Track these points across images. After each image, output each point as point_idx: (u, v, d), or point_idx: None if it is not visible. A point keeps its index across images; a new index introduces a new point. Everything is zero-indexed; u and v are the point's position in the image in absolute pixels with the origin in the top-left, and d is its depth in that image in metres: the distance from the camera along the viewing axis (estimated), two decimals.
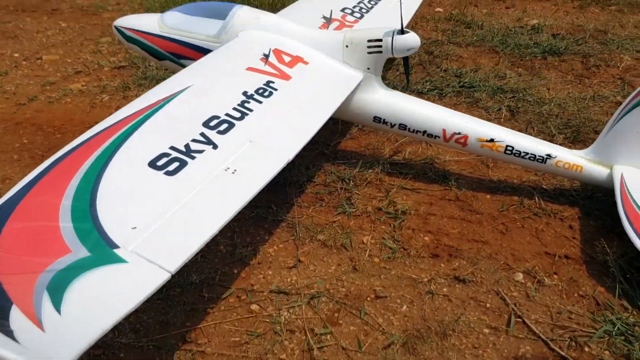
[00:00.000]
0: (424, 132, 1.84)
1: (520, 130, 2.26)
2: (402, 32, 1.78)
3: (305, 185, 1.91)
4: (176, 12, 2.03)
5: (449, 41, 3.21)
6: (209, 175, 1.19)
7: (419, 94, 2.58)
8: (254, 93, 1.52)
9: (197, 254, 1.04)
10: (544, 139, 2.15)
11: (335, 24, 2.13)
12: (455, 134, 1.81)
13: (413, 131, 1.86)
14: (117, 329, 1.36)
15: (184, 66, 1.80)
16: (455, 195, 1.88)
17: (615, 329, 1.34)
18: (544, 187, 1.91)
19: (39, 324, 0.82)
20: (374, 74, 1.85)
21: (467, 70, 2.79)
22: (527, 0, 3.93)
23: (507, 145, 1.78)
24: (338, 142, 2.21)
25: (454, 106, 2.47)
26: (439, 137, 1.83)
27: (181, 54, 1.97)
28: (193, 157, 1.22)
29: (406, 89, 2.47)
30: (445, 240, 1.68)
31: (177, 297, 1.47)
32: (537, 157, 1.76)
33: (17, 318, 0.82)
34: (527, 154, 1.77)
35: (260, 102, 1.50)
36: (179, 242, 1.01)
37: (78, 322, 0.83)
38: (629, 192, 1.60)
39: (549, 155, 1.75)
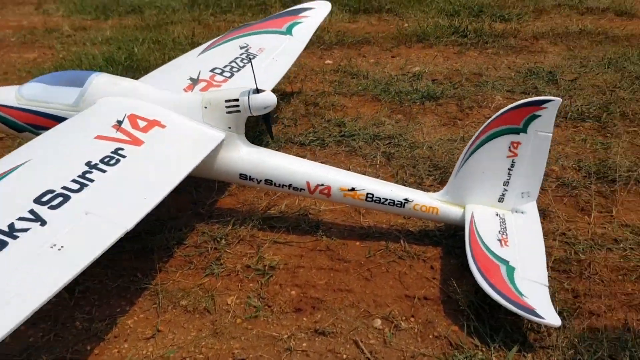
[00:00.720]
0: (289, 185, 1.87)
1: (392, 175, 2.35)
2: (257, 91, 1.82)
3: (174, 249, 1.89)
4: (35, 83, 2.00)
5: (335, 92, 3.31)
6: (30, 255, 1.15)
7: (302, 146, 2.64)
8: (98, 162, 1.50)
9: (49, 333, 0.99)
10: (414, 182, 2.25)
11: (202, 85, 2.16)
12: (319, 185, 1.85)
13: (279, 186, 1.89)
14: None
15: None
16: (326, 245, 1.91)
17: None
18: (410, 229, 1.97)
19: None
20: (236, 132, 1.88)
21: (349, 120, 2.89)
22: (411, 49, 4.14)
23: (367, 193, 1.83)
24: (215, 200, 2.20)
25: (334, 155, 2.54)
26: (304, 189, 1.86)
27: (40, 124, 1.93)
28: (15, 237, 1.18)
29: (269, 144, 2.51)
30: (311, 292, 1.69)
31: None
32: (396, 202, 1.82)
33: None
34: (387, 200, 1.82)
35: (104, 171, 1.48)
36: None
37: None
38: (477, 230, 1.68)
39: (406, 199, 1.82)
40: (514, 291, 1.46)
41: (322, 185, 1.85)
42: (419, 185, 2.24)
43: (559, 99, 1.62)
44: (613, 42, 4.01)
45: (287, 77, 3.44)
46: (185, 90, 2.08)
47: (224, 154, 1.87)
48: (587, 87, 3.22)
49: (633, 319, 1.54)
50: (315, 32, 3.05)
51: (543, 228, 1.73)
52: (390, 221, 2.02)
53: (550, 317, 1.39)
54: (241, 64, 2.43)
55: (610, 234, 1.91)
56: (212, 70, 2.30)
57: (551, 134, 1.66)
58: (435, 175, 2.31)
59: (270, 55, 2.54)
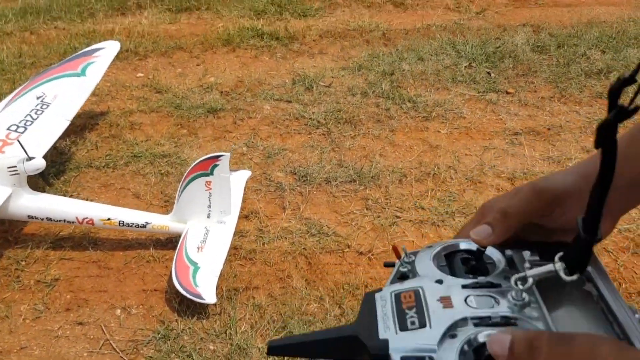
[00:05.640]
0: (64, 220, 2.68)
1: (162, 191, 3.21)
2: (30, 158, 2.59)
3: None
4: None
5: (138, 109, 4.05)
6: None
7: (98, 169, 3.41)
8: None
9: None
10: (168, 201, 3.12)
11: None
12: (85, 218, 2.67)
13: (57, 220, 2.69)
14: None
15: None
16: (97, 257, 2.76)
17: (160, 335, 2.32)
18: (158, 238, 2.86)
19: None
20: (20, 186, 2.64)
21: (141, 140, 3.68)
22: (216, 54, 4.89)
23: (119, 220, 2.68)
24: (21, 228, 2.96)
25: (121, 177, 3.34)
26: (74, 222, 2.68)
27: None
28: None
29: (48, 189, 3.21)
30: (80, 295, 2.55)
31: None
32: (140, 224, 2.69)
33: None
34: (133, 223, 2.69)
35: None
36: None
37: None
38: (186, 241, 2.59)
39: (147, 222, 2.69)
40: (192, 283, 2.40)
41: (87, 218, 2.67)
42: None
43: (228, 154, 2.53)
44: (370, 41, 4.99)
45: (99, 95, 4.11)
46: None
47: (12, 203, 2.63)
48: (337, 92, 4.20)
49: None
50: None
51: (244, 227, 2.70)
52: (142, 235, 2.90)
53: (209, 297, 2.35)
54: (35, 116, 3.12)
55: (292, 226, 2.91)
56: (8, 129, 2.98)
57: (228, 174, 2.59)
58: None
59: (62, 105, 3.21)
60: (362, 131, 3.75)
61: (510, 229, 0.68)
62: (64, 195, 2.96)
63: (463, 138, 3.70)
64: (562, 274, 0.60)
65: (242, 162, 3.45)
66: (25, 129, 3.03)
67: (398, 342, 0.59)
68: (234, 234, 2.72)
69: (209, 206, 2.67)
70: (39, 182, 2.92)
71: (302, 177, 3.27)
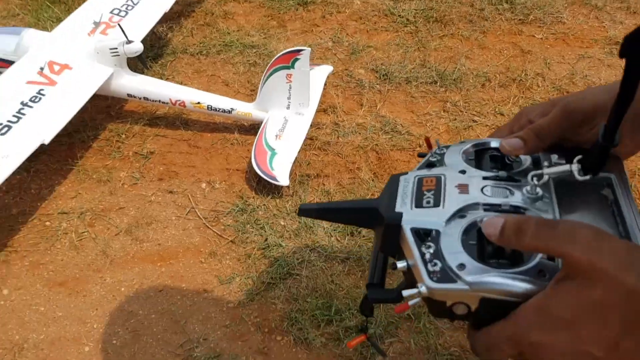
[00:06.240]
0: (159, 101, 2.93)
1: (249, 81, 3.37)
2: (129, 42, 2.81)
3: (91, 142, 3.01)
4: None
5: None
6: None
7: (192, 55, 3.61)
8: (28, 101, 2.56)
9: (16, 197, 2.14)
10: (254, 91, 3.28)
11: (102, 27, 3.11)
12: (177, 100, 2.91)
13: (152, 100, 2.95)
14: None
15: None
16: (188, 136, 3.02)
17: (238, 208, 2.57)
18: (242, 124, 3.06)
19: None
20: (121, 67, 2.89)
21: (233, 30, 3.82)
22: None
23: (208, 105, 2.89)
24: (122, 105, 3.26)
25: (213, 64, 3.53)
26: (168, 103, 2.93)
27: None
28: None
29: (146, 72, 3.45)
30: (172, 168, 2.84)
31: None
32: (225, 110, 2.89)
33: None
34: (221, 109, 2.90)
35: (32, 106, 2.55)
36: None
37: None
38: (266, 128, 2.77)
39: (232, 108, 2.89)
40: (269, 167, 2.60)
41: (179, 100, 2.91)
42: None
43: (308, 49, 2.62)
44: None
45: None
46: (89, 34, 3.04)
47: (114, 82, 2.90)
48: None
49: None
50: None
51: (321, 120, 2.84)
52: (227, 121, 3.11)
53: (283, 180, 2.55)
54: (136, 1, 3.33)
55: (367, 122, 3.00)
56: (111, 12, 3.21)
57: (308, 69, 2.69)
58: None
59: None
60: (451, 31, 3.65)
61: (540, 148, 0.74)
62: (160, 78, 3.20)
63: (558, 44, 3.52)
64: (575, 173, 0.64)
65: (326, 58, 3.52)
66: (127, 13, 3.24)
67: (411, 215, 0.67)
68: (311, 126, 2.87)
69: (288, 98, 2.80)
70: (138, 65, 3.17)
71: (383, 75, 3.30)
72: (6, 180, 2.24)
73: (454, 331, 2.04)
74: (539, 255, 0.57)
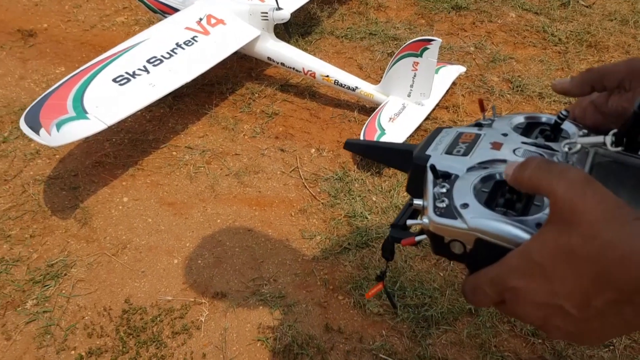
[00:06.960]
0: (293, 68, 3.16)
1: (381, 68, 3.49)
2: (279, 9, 3.06)
3: (228, 94, 3.31)
4: None
5: None
6: (140, 85, 2.63)
7: (337, 38, 3.81)
8: (182, 43, 2.91)
9: (155, 127, 2.49)
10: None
11: None
12: (309, 70, 3.11)
13: (288, 67, 3.18)
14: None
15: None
16: (312, 106, 3.22)
17: (337, 176, 2.70)
18: (366, 105, 3.18)
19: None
20: (268, 31, 3.16)
21: (382, 21, 3.96)
22: None
23: (335, 79, 3.06)
24: (264, 69, 3.55)
25: (354, 48, 3.69)
26: (300, 72, 3.14)
27: (165, 11, 3.36)
28: (135, 77, 2.66)
29: (289, 41, 3.68)
30: (289, 130, 3.05)
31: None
32: (350, 87, 3.03)
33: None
34: (345, 85, 3.04)
35: (184, 48, 2.89)
36: (115, 112, 2.48)
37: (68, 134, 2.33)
38: (382, 109, 2.87)
39: (356, 87, 3.03)
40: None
41: (311, 70, 3.11)
42: None
43: (439, 40, 2.67)
44: None
45: None
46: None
47: (259, 43, 3.17)
48: (594, 14, 3.88)
49: None
50: None
51: (440, 115, 2.88)
52: (351, 99, 3.24)
53: None
54: None
55: None
56: None
57: (435, 60, 2.73)
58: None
59: None
60: (603, 59, 3.46)
61: (585, 83, 0.75)
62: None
63: None
64: (608, 144, 0.63)
65: (464, 61, 3.52)
66: None
67: (437, 159, 0.71)
68: (428, 118, 2.91)
69: (411, 85, 2.87)
70: (285, 35, 3.43)
71: (517, 86, 3.23)
72: (150, 108, 2.57)
73: (513, 337, 1.99)
74: (545, 212, 0.57)
